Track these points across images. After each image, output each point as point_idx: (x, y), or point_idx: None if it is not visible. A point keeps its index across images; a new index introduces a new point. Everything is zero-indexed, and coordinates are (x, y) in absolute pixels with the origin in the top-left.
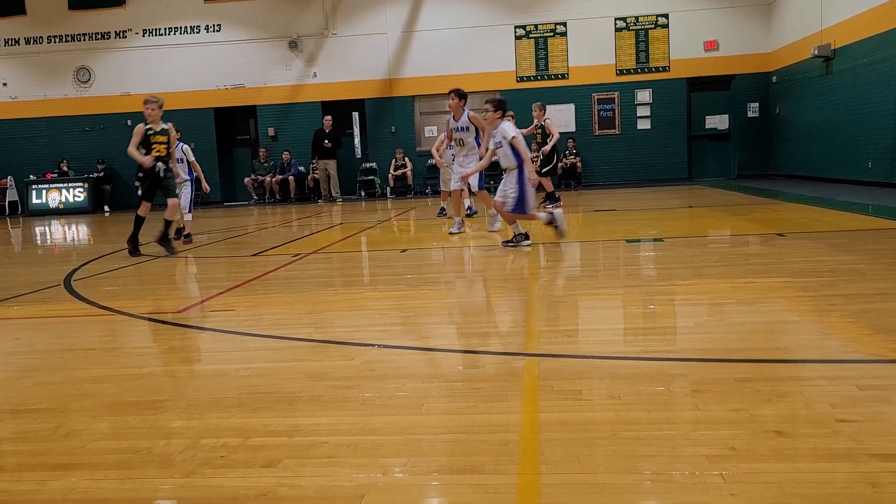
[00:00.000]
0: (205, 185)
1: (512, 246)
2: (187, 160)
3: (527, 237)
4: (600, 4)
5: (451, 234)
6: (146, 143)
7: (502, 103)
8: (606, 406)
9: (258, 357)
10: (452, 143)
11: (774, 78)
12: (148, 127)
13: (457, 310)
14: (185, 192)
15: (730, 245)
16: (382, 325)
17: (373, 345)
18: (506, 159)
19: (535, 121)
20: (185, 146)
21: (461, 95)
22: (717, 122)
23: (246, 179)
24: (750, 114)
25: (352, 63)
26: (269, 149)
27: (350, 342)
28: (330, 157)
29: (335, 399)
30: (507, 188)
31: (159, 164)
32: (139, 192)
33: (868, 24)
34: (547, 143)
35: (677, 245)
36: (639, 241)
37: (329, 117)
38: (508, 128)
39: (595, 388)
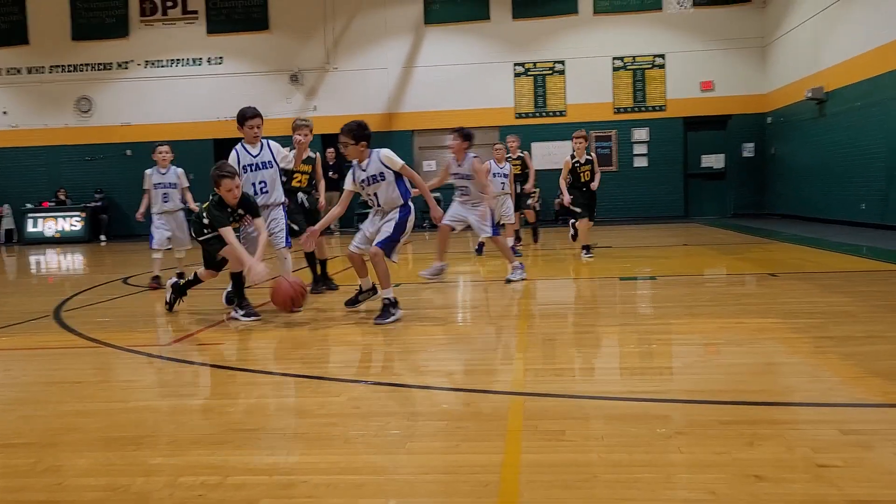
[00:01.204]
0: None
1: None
2: (181, 186)
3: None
4: (598, 44)
5: (509, 280)
6: (287, 172)
7: (363, 131)
8: (589, 447)
9: (244, 392)
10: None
11: (769, 119)
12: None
13: (447, 347)
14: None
15: (722, 284)
16: (372, 362)
17: (360, 381)
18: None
19: (511, 153)
20: (180, 170)
21: (466, 136)
22: (713, 161)
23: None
24: (745, 153)
25: (352, 97)
26: None
27: (338, 378)
28: (334, 188)
29: (318, 437)
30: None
31: (300, 194)
32: (295, 228)
33: (860, 68)
34: (528, 178)
35: (670, 284)
36: (633, 279)
37: (332, 150)
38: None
39: (579, 428)
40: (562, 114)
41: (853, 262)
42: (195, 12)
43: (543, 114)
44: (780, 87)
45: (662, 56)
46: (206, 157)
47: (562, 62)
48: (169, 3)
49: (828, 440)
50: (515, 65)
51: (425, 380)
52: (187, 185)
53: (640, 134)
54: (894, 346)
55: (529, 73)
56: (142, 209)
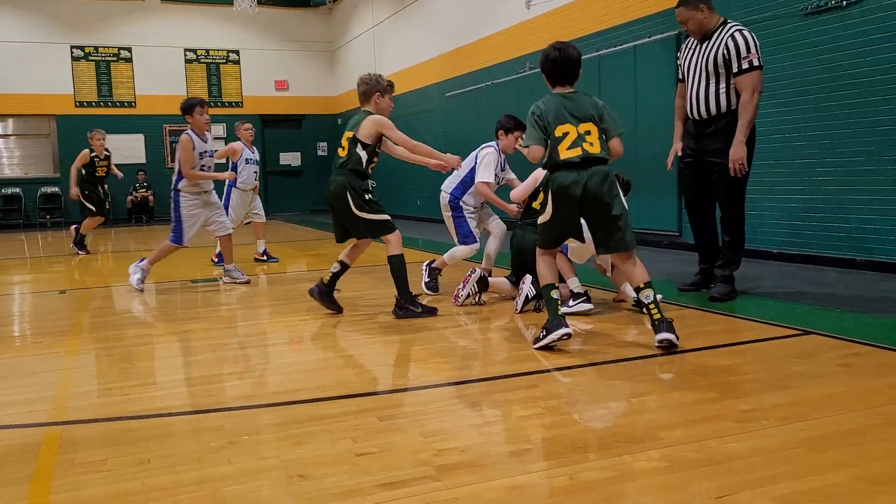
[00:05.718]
0: None
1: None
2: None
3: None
4: (168, 34)
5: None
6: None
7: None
8: (132, 474)
9: None
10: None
11: (339, 120)
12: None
13: None
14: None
15: (291, 282)
16: None
17: None
18: None
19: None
20: None
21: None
22: (291, 158)
23: None
24: (319, 152)
25: None
26: None
27: None
28: None
29: None
30: None
31: (370, 181)
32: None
33: (411, 78)
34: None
35: (235, 285)
36: (201, 280)
37: None
38: None
39: (123, 454)
40: (131, 105)
41: (412, 254)
42: None
43: (110, 104)
44: (349, 90)
45: (237, 52)
46: None
47: (128, 49)
48: None
49: (368, 429)
50: (73, 47)
51: None
52: None
53: (217, 130)
54: (433, 332)
55: (91, 57)
56: None
